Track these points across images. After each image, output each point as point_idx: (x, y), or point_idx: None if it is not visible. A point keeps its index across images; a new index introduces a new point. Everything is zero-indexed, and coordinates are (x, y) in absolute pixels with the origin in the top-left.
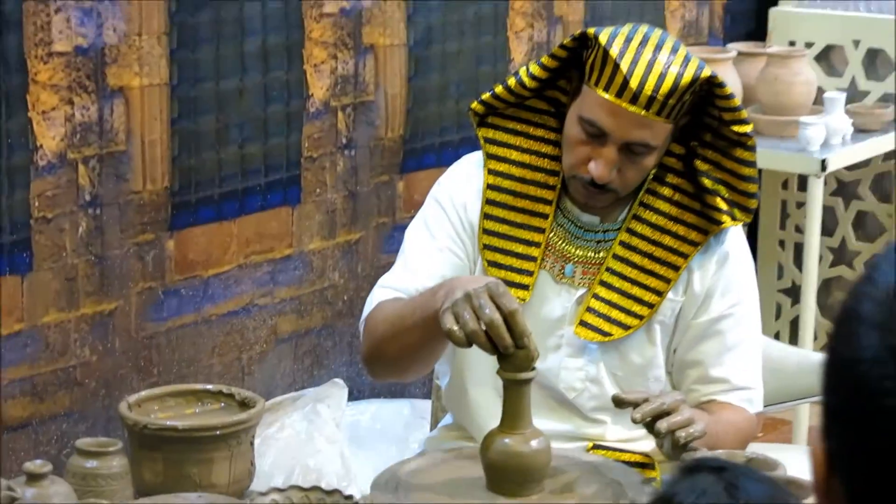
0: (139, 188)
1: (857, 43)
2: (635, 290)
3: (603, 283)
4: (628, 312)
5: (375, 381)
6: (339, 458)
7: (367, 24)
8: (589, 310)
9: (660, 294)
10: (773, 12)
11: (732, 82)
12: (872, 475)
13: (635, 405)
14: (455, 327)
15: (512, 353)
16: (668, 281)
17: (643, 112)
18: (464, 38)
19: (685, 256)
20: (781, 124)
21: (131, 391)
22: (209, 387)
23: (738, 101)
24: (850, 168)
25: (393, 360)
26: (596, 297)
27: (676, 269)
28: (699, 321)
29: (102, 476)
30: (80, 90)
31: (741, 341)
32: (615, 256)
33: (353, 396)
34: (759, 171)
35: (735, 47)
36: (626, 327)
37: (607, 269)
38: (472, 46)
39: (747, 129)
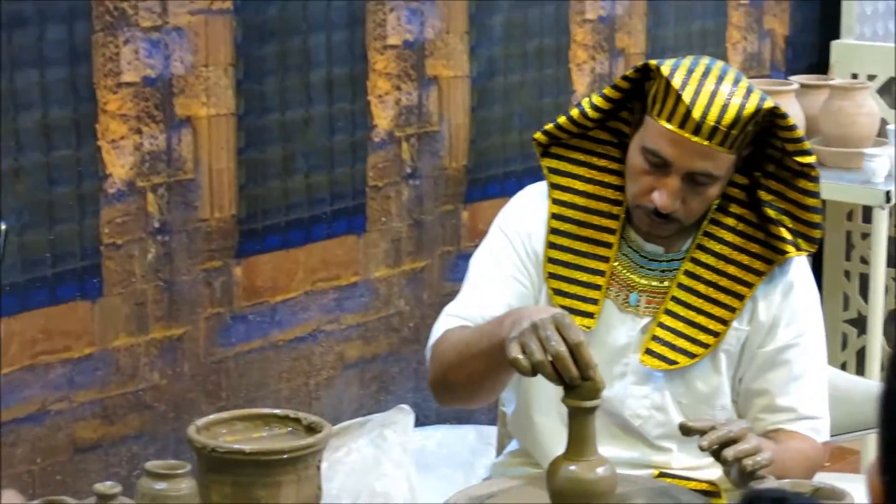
0: (207, 216)
1: None
2: (700, 319)
3: (668, 312)
4: (693, 341)
5: (442, 407)
6: (405, 483)
7: (430, 56)
8: (654, 338)
9: (725, 323)
10: (836, 45)
11: (795, 114)
12: None
13: (702, 433)
14: (521, 357)
15: (578, 385)
16: (732, 310)
17: (706, 142)
18: (526, 70)
19: (750, 286)
20: (845, 156)
21: (200, 415)
22: (277, 411)
23: (800, 132)
24: None
25: (459, 387)
26: (661, 325)
27: (741, 298)
28: (765, 350)
29: (171, 498)
30: (148, 120)
31: (807, 370)
32: (680, 286)
33: (419, 422)
34: (824, 202)
35: (797, 80)
36: (691, 355)
37: (672, 298)
38: (534, 78)
39: (811, 159)
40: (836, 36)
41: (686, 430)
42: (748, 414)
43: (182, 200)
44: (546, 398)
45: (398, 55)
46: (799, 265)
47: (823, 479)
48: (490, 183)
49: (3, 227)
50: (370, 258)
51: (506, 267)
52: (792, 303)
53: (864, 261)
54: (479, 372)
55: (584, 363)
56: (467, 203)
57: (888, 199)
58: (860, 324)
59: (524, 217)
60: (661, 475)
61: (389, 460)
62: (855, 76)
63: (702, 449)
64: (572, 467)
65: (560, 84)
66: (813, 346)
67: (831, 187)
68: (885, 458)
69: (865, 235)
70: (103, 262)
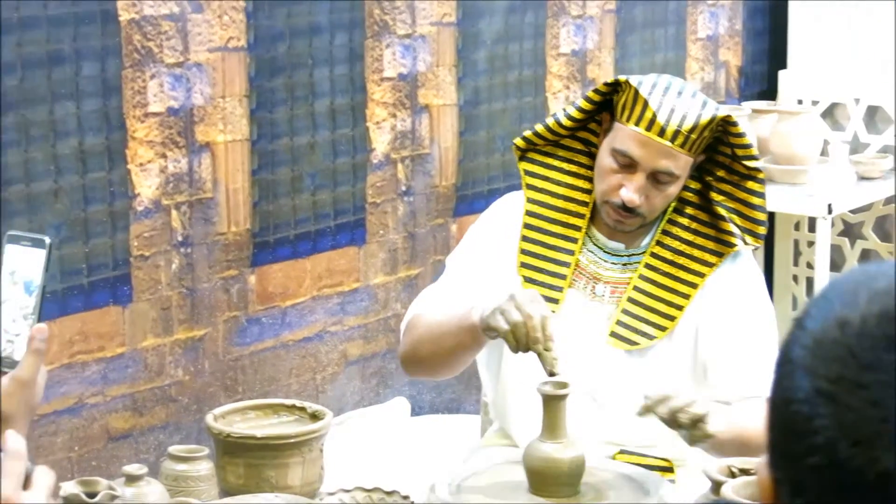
0: (224, 230)
1: (857, 100)
2: (658, 306)
3: (630, 300)
4: (653, 325)
5: (409, 376)
6: (400, 466)
7: (422, 86)
8: (618, 323)
9: (680, 308)
10: (783, 74)
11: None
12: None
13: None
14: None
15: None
16: (687, 297)
17: (669, 144)
18: (507, 99)
19: (702, 276)
20: (792, 173)
21: (219, 406)
22: (285, 401)
23: (748, 139)
24: (854, 211)
25: (426, 359)
26: (624, 311)
27: (695, 286)
28: (718, 334)
29: (192, 478)
30: (172, 145)
31: (759, 351)
32: (641, 276)
33: (414, 412)
34: (773, 214)
35: (749, 105)
36: (651, 337)
37: (634, 288)
38: (514, 106)
39: (757, 163)
40: (784, 66)
41: (643, 411)
42: (704, 391)
43: (202, 216)
44: (521, 386)
45: (393, 86)
46: (747, 259)
47: None
48: (476, 199)
49: (48, 240)
50: (369, 266)
51: (478, 264)
52: (741, 291)
53: (810, 266)
54: (446, 348)
55: (534, 338)
56: (456, 217)
57: (830, 211)
58: None
59: (498, 220)
60: (621, 453)
61: (387, 446)
62: (800, 102)
63: (639, 415)
64: (546, 448)
65: (537, 111)
66: (763, 328)
67: (780, 201)
68: (772, 457)
69: (811, 243)
70: (132, 271)
